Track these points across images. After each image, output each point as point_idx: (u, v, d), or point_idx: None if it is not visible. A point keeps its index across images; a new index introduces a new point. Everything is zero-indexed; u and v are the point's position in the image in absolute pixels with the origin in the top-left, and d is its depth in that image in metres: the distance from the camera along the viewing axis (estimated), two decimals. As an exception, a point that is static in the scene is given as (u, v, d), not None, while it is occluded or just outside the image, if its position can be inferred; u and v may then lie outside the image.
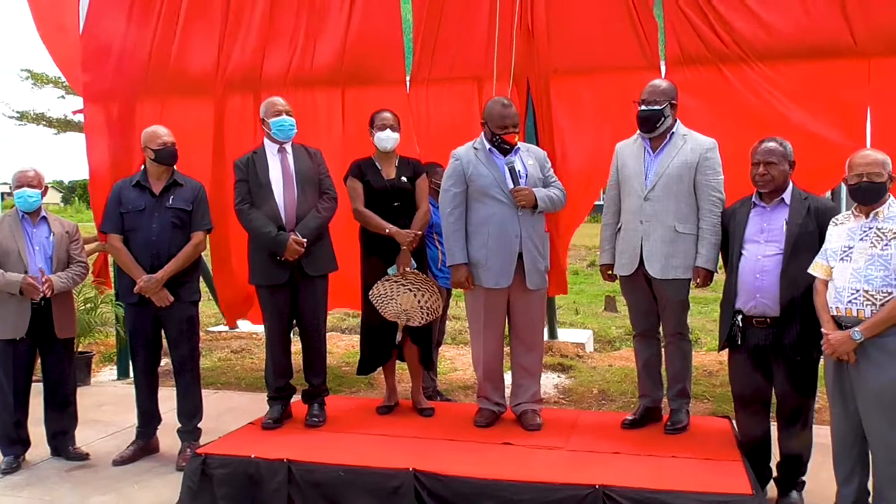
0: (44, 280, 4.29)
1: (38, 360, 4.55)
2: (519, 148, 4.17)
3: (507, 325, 4.29)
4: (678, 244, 3.91)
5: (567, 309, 10.27)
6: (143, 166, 4.49)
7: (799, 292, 3.44)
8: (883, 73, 4.71)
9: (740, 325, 3.62)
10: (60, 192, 51.85)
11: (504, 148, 4.11)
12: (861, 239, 3.20)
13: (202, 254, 4.70)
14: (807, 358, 3.51)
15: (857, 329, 3.11)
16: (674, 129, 4.00)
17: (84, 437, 4.75)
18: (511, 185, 4.03)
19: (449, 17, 5.43)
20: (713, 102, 4.92)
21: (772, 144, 3.61)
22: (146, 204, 4.34)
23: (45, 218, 4.49)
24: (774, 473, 3.76)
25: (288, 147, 4.32)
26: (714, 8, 4.91)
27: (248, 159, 4.30)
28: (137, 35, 5.99)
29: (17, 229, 4.39)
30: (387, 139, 4.36)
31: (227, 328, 8.26)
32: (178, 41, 5.94)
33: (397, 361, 4.65)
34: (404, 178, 4.39)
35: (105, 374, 6.86)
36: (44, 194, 4.49)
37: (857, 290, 3.15)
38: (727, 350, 3.78)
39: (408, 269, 4.28)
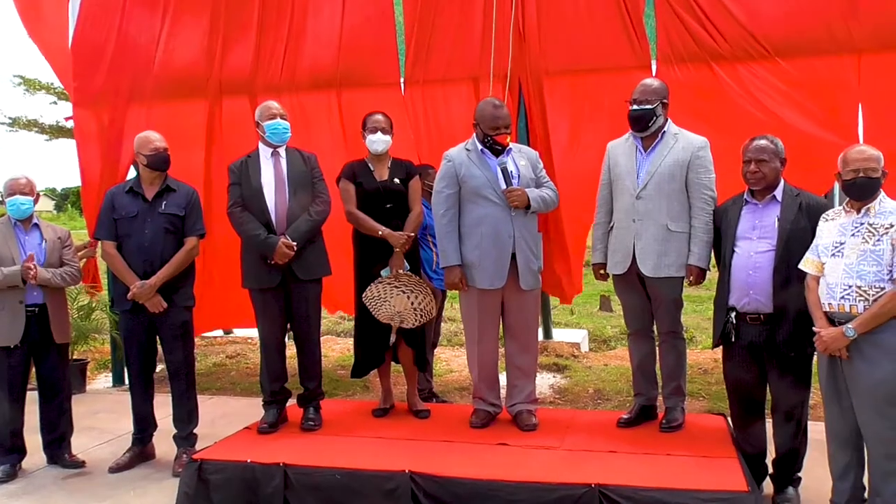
0: (32, 266, 4.27)
1: (33, 368, 4.54)
2: (511, 149, 4.17)
3: (501, 325, 4.29)
4: (670, 242, 3.92)
5: (562, 309, 10.23)
6: (135, 172, 4.48)
7: (792, 288, 3.45)
8: (874, 70, 4.73)
9: (734, 322, 3.62)
10: (53, 199, 51.62)
11: (496, 149, 4.11)
12: (853, 234, 3.20)
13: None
14: (800, 354, 3.52)
15: (849, 326, 3.11)
16: (665, 128, 4.00)
17: (80, 444, 4.73)
18: (503, 186, 4.04)
19: (443, 19, 5.43)
20: (705, 101, 4.92)
21: (763, 142, 3.62)
22: (139, 210, 4.33)
23: (37, 225, 4.48)
24: (770, 470, 3.76)
25: (282, 151, 4.32)
26: (704, 7, 4.92)
27: (241, 163, 4.31)
28: (128, 40, 5.97)
29: (10, 237, 4.38)
30: (377, 142, 4.37)
31: (221, 333, 8.24)
32: (169, 46, 5.92)
33: (392, 364, 4.65)
34: (397, 180, 4.39)
35: (100, 382, 6.84)
36: (36, 202, 4.48)
37: (850, 286, 3.15)
38: (721, 347, 3.79)
39: (401, 271, 4.28)
